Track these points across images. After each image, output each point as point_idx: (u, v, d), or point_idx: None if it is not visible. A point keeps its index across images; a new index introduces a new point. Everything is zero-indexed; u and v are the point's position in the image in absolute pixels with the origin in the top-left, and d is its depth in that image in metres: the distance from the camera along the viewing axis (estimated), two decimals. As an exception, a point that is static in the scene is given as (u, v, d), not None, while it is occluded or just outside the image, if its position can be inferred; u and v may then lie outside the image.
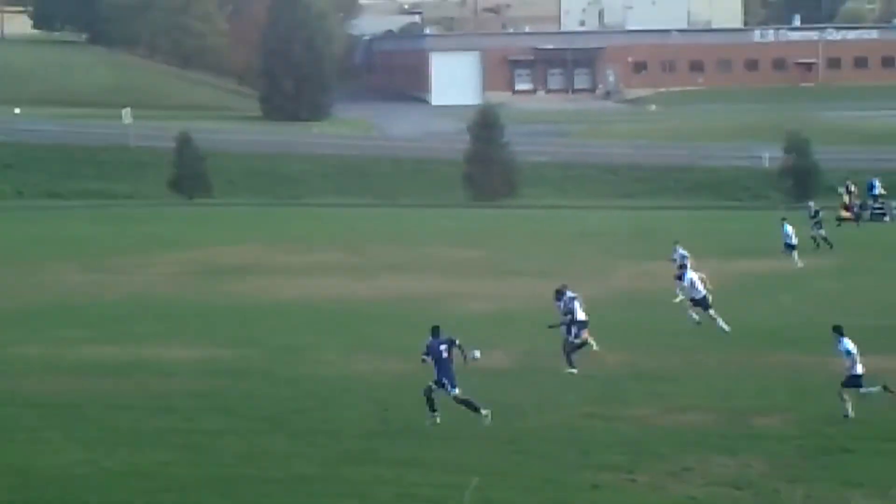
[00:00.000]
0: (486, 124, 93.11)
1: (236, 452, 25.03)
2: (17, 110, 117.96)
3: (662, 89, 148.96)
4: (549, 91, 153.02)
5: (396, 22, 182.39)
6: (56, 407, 28.71)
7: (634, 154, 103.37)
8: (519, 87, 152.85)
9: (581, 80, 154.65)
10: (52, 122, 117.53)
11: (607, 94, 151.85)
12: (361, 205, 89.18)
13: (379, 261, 54.58)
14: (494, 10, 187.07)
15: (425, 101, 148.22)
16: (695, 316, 37.55)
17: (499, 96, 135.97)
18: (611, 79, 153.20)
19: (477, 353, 27.91)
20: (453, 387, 27.02)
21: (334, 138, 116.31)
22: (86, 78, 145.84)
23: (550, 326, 33.30)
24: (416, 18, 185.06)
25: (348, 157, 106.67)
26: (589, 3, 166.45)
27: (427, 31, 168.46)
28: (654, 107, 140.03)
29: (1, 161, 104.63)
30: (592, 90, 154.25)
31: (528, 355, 34.36)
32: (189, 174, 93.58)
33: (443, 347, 27.17)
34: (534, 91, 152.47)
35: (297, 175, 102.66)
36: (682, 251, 44.53)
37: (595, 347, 33.38)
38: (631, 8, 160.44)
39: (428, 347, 27.30)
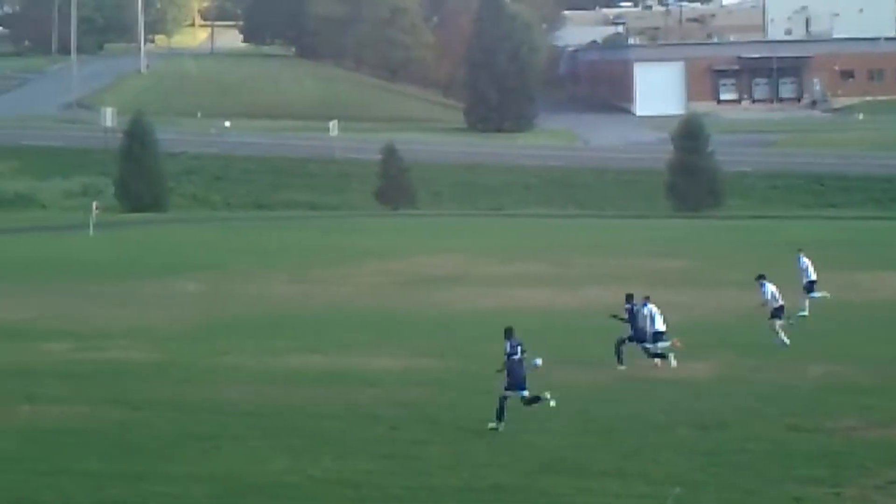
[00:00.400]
0: (689, 134, 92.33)
1: (439, 462, 25.23)
2: (227, 123, 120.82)
3: (869, 98, 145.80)
4: (754, 101, 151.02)
5: (600, 33, 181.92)
6: (263, 416, 29.29)
7: (840, 164, 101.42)
8: (724, 96, 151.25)
9: (786, 90, 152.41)
10: (261, 135, 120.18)
11: (813, 104, 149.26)
12: (564, 215, 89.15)
13: (581, 271, 54.47)
14: (699, 20, 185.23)
15: (629, 112, 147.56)
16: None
17: (703, 106, 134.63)
18: (817, 88, 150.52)
19: (538, 362, 28.03)
20: (523, 389, 27.62)
21: (537, 149, 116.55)
22: (293, 91, 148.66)
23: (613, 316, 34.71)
24: (620, 29, 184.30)
25: (551, 168, 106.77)
26: (795, 12, 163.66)
27: (631, 41, 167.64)
28: (861, 116, 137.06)
29: (211, 173, 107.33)
30: (798, 99, 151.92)
31: (731, 366, 33.99)
32: (394, 185, 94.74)
33: (519, 349, 27.88)
34: (738, 100, 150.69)
35: (500, 186, 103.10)
36: (805, 260, 42.88)
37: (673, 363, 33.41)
38: (837, 15, 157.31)
39: (507, 353, 27.90)
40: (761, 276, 37.51)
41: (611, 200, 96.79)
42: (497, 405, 27.46)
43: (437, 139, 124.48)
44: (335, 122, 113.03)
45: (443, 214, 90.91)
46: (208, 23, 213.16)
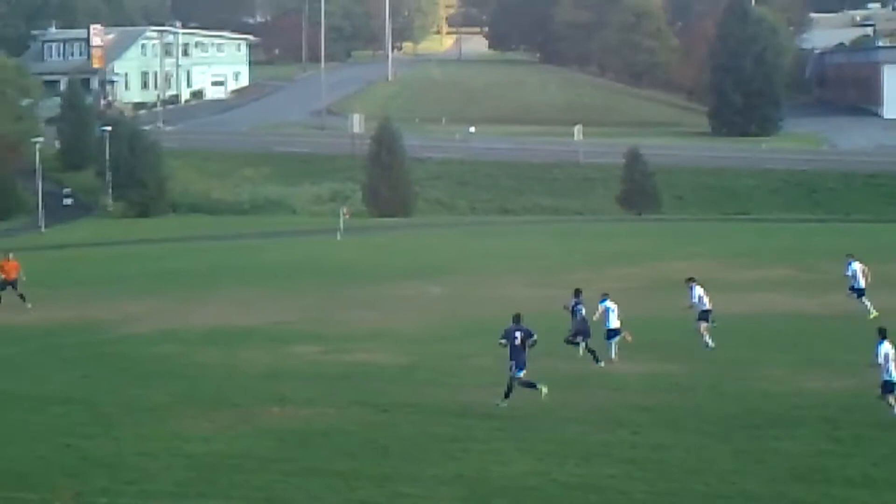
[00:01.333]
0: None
1: (683, 467, 25.01)
2: (472, 129, 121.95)
3: None
4: None
5: (848, 34, 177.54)
6: (507, 418, 29.45)
7: None
8: None
9: None
10: (505, 140, 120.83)
11: None
12: (811, 220, 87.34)
13: (829, 276, 53.25)
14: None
15: (877, 115, 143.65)
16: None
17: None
18: None
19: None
20: (519, 370, 30.33)
21: (783, 153, 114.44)
22: (538, 96, 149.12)
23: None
24: (869, 31, 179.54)
25: (797, 172, 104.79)
26: None
27: (880, 43, 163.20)
28: None
29: (456, 178, 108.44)
30: None
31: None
32: (637, 190, 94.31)
33: (518, 334, 30.48)
34: None
35: (745, 190, 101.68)
36: (855, 265, 43.19)
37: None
38: None
39: (505, 332, 30.78)
40: (691, 279, 39.35)
41: (858, 205, 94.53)
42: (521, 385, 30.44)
43: (681, 143, 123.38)
44: (579, 126, 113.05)
45: (687, 219, 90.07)
46: (454, 29, 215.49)
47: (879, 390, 28.18)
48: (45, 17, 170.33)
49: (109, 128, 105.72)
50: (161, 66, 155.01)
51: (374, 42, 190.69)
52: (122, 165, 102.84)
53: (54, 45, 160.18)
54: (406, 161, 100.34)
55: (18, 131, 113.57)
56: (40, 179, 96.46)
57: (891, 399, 27.92)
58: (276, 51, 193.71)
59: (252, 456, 26.45)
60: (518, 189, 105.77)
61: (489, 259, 63.95)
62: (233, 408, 31.10)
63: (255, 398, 31.98)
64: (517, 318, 31.14)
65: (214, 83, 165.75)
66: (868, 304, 42.79)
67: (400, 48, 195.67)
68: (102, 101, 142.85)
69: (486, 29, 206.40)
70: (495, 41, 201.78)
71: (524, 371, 30.48)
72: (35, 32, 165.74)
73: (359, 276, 57.56)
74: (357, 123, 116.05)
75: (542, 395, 30.24)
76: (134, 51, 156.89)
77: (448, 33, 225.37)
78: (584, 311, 36.16)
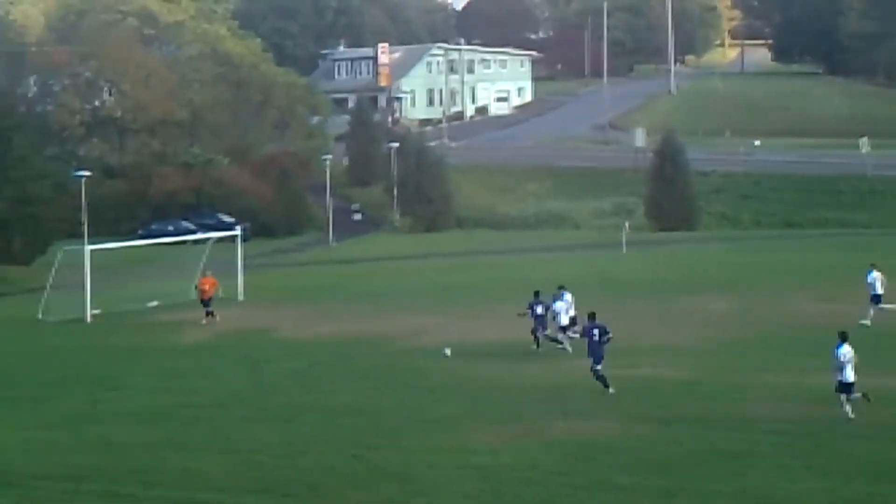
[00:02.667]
0: None
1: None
2: (756, 142, 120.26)
3: None
4: None
5: None
6: (793, 434, 29.11)
7: None
8: None
9: None
10: (790, 153, 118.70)
11: None
12: None
13: None
14: None
15: None
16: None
17: None
18: None
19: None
20: (597, 363, 34.58)
21: None
22: (822, 108, 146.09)
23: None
24: None
25: None
26: None
27: None
28: None
29: (740, 192, 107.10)
30: None
31: None
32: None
33: (595, 331, 34.73)
34: None
35: None
36: (874, 274, 45.49)
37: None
38: None
39: (584, 329, 35.75)
40: (561, 287, 42.83)
41: None
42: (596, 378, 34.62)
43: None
44: (865, 139, 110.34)
45: None
46: (738, 41, 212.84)
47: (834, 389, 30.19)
48: (334, 36, 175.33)
49: (396, 144, 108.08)
50: (446, 82, 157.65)
51: (657, 55, 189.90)
52: (408, 181, 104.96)
53: (343, 63, 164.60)
54: (689, 174, 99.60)
55: (309, 148, 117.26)
56: (330, 195, 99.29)
57: (843, 398, 29.93)
58: (559, 66, 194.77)
59: (539, 468, 26.84)
60: (803, 202, 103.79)
61: (774, 273, 62.99)
62: (518, 421, 31.56)
63: (539, 411, 32.39)
64: (593, 316, 35.26)
65: (498, 99, 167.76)
66: (872, 312, 45.06)
67: (682, 61, 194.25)
68: (389, 118, 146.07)
69: (770, 41, 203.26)
70: (779, 53, 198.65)
71: (601, 365, 34.59)
72: (324, 52, 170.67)
73: (642, 290, 57.48)
74: (640, 137, 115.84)
75: (609, 392, 34.02)
76: (420, 68, 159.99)
77: (731, 45, 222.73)
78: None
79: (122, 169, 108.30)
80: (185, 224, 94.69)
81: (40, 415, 35.40)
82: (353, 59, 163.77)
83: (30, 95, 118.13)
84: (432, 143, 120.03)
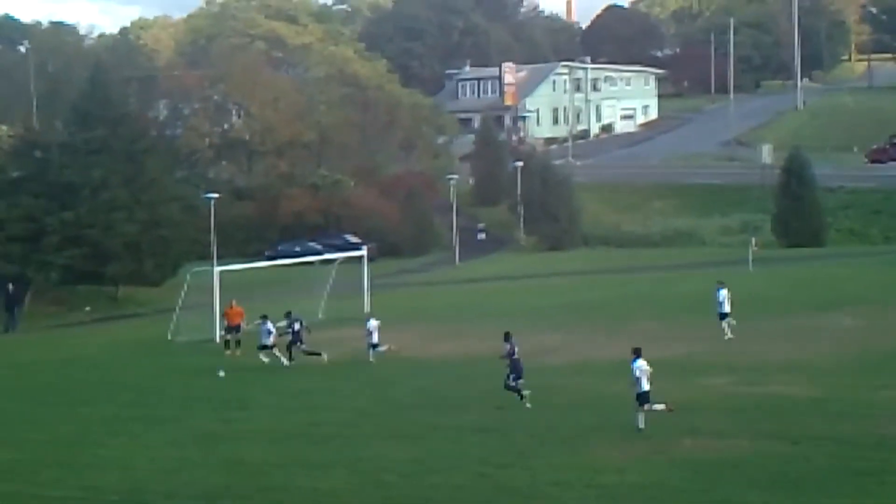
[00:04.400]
0: None
1: None
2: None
3: None
4: None
5: None
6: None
7: None
8: None
9: None
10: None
11: None
12: None
13: None
14: None
15: None
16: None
17: None
18: None
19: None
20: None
21: None
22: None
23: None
24: None
25: None
26: None
27: None
28: None
29: (869, 207, 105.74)
30: None
31: None
32: None
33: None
34: None
35: None
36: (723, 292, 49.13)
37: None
38: None
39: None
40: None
41: None
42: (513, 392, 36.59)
43: None
44: None
45: None
46: (865, 56, 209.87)
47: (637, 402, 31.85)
48: (460, 56, 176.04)
49: (521, 163, 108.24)
50: (571, 101, 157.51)
51: (783, 71, 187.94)
52: (534, 200, 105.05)
53: (468, 83, 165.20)
54: (817, 190, 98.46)
55: (435, 168, 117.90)
56: (455, 215, 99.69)
57: (645, 408, 31.94)
58: (685, 83, 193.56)
59: (666, 487, 26.75)
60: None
61: (906, 290, 62.08)
62: (645, 439, 31.48)
63: (667, 429, 32.24)
64: (508, 336, 38.14)
65: (623, 117, 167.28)
66: (727, 326, 48.31)
67: (809, 77, 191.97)
68: (515, 137, 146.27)
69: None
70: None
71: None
72: (450, 72, 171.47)
73: (770, 306, 56.94)
74: (766, 154, 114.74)
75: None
76: (545, 87, 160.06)
77: (859, 60, 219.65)
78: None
79: (250, 191, 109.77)
80: (312, 245, 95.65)
81: (172, 434, 36.01)
82: (478, 79, 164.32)
83: (160, 119, 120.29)
84: (557, 162, 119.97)
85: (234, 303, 54.85)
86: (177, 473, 30.60)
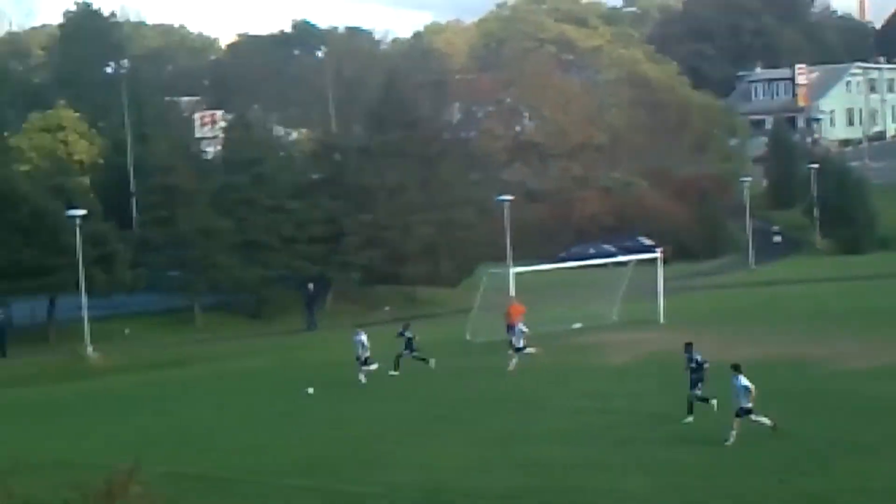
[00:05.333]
0: None
1: None
2: None
3: None
4: None
5: None
6: None
7: None
8: None
9: None
10: None
11: None
12: None
13: None
14: None
15: None
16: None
17: None
18: None
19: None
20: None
21: None
22: None
23: None
24: None
25: None
26: None
27: None
28: None
29: None
30: None
31: None
32: None
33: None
34: None
35: None
36: None
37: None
38: None
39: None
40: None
41: None
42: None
43: None
44: None
45: None
46: None
47: None
48: (751, 58, 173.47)
49: (816, 165, 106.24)
50: (866, 102, 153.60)
51: None
52: (829, 202, 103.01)
53: (759, 84, 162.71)
54: None
55: (726, 170, 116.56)
56: (749, 217, 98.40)
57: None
58: None
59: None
60: None
61: None
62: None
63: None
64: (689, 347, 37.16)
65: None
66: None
67: None
68: (809, 139, 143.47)
69: None
70: None
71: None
72: (741, 73, 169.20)
73: None
74: None
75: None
76: (839, 88, 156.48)
77: None
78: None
79: (543, 193, 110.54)
80: (606, 247, 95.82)
81: (472, 434, 36.56)
82: (769, 80, 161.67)
83: (454, 122, 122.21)
84: (853, 164, 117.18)
85: (514, 301, 55.94)
86: (476, 473, 31.10)
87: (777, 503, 26.81)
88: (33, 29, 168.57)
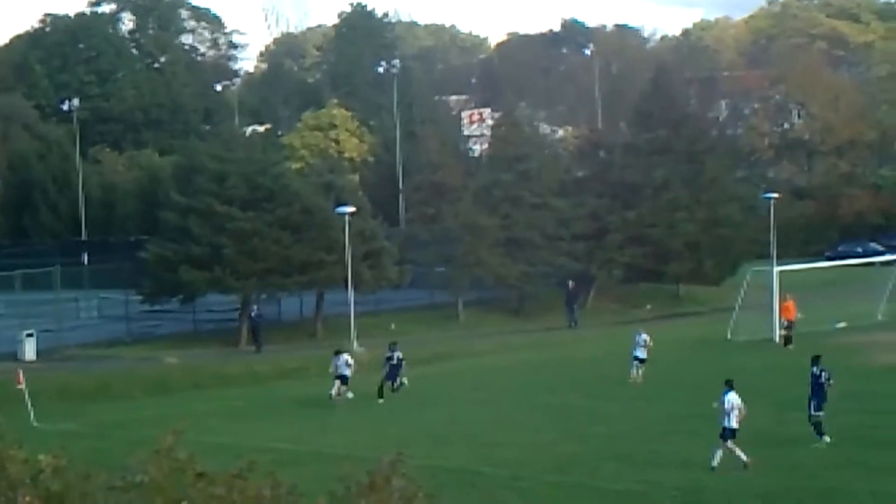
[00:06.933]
0: None
1: None
2: None
3: None
4: None
5: None
6: None
7: None
8: None
9: None
10: None
11: None
12: None
13: None
14: None
15: None
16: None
17: None
18: None
19: None
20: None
21: None
22: None
23: None
24: None
25: None
26: None
27: None
28: None
29: None
30: None
31: None
32: None
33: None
34: None
35: None
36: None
37: None
38: None
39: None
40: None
41: None
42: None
43: None
44: None
45: None
46: None
47: None
48: None
49: None
50: None
51: None
52: None
53: None
54: None
55: None
56: None
57: (728, 445, 30.93)
58: None
59: None
60: None
61: None
62: None
63: None
64: (816, 360, 35.39)
65: None
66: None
67: None
68: None
69: None
70: None
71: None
72: None
73: None
74: None
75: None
76: None
77: None
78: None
79: (810, 190, 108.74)
80: (874, 245, 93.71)
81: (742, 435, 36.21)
82: None
83: (721, 119, 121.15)
84: None
85: (787, 297, 55.64)
86: (734, 473, 31.05)
87: None
88: (309, 29, 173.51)
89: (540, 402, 45.28)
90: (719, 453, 31.32)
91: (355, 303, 65.12)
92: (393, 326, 68.19)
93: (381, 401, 46.08)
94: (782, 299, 56.21)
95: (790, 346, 54.62)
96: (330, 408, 45.08)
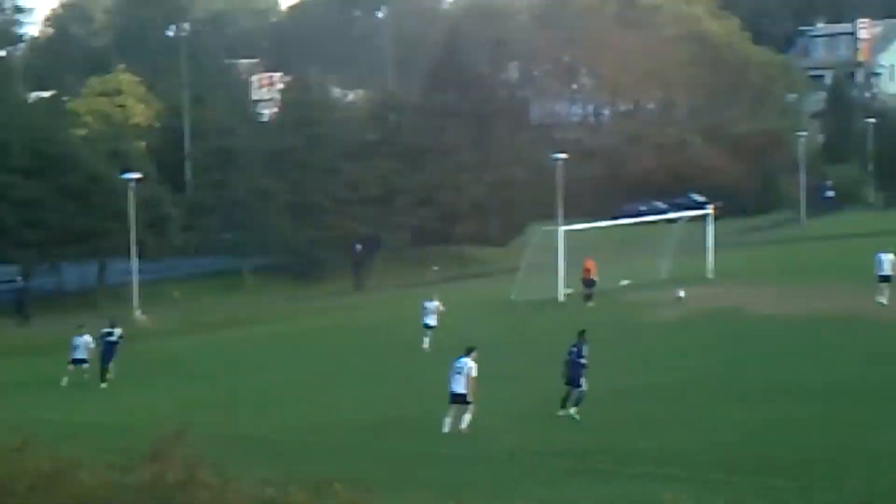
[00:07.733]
0: None
1: None
2: None
3: None
4: None
5: None
6: None
7: None
8: None
9: None
10: None
11: None
12: None
13: None
14: None
15: None
16: None
17: None
18: None
19: None
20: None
21: None
22: None
23: None
24: None
25: None
26: None
27: None
28: None
29: None
30: None
31: None
32: None
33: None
34: None
35: None
36: None
37: None
38: None
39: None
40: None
41: None
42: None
43: None
44: None
45: None
46: None
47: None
48: (813, 12, 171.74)
49: (874, 120, 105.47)
50: None
51: None
52: (885, 157, 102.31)
53: (820, 40, 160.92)
54: None
55: (783, 126, 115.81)
56: (803, 173, 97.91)
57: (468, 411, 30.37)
58: None
59: None
60: None
61: None
62: None
63: None
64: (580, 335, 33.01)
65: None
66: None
67: None
68: (867, 94, 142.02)
69: None
70: None
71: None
72: (802, 28, 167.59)
73: None
74: None
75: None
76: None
77: None
78: None
79: (598, 151, 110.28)
80: (658, 204, 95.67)
81: (517, 393, 36.30)
82: (831, 35, 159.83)
83: (511, 82, 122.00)
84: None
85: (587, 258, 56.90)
86: (525, 429, 31.14)
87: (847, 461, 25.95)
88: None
89: (326, 367, 45.16)
90: (468, 418, 30.83)
91: (140, 271, 64.15)
92: (177, 294, 67.31)
93: (103, 385, 42.48)
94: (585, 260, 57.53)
95: (590, 304, 55.69)
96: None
